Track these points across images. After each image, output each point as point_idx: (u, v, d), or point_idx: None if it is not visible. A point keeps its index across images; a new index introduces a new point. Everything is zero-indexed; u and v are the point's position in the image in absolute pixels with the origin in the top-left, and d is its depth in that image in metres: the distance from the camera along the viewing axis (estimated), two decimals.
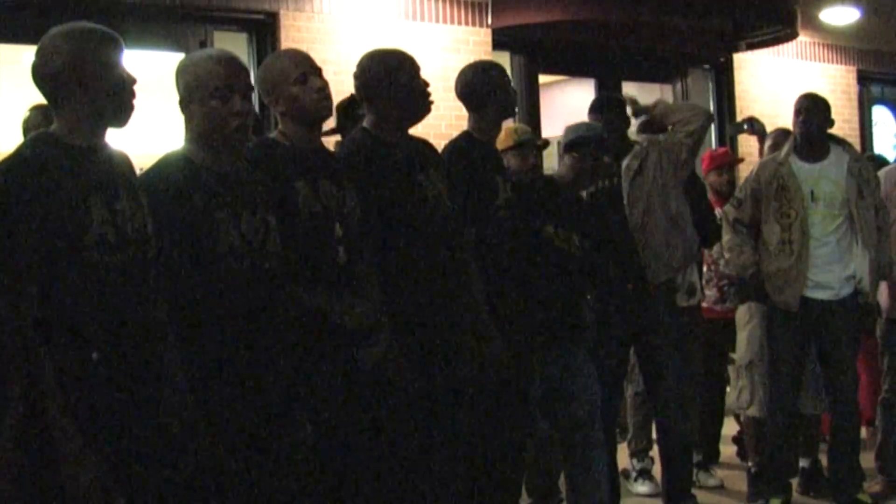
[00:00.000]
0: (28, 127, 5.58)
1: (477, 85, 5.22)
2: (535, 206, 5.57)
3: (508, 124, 6.15)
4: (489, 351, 4.80)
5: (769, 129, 7.91)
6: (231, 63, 3.73)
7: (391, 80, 4.60)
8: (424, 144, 4.84)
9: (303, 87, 4.17)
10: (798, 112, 6.42)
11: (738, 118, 11.78)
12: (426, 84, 4.72)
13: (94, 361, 3.11)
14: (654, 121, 6.39)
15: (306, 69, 4.20)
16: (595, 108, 6.35)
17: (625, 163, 6.16)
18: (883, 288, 6.67)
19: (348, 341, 4.10)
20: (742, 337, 6.84)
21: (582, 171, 5.73)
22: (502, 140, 5.96)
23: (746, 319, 6.80)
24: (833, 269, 6.34)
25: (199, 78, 3.68)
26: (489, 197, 5.11)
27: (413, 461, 4.44)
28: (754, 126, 7.98)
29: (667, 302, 6.16)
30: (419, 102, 4.69)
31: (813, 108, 6.41)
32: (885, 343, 6.83)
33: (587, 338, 5.73)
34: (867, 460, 6.82)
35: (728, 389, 7.63)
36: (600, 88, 10.80)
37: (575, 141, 5.74)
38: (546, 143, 6.78)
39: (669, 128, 6.31)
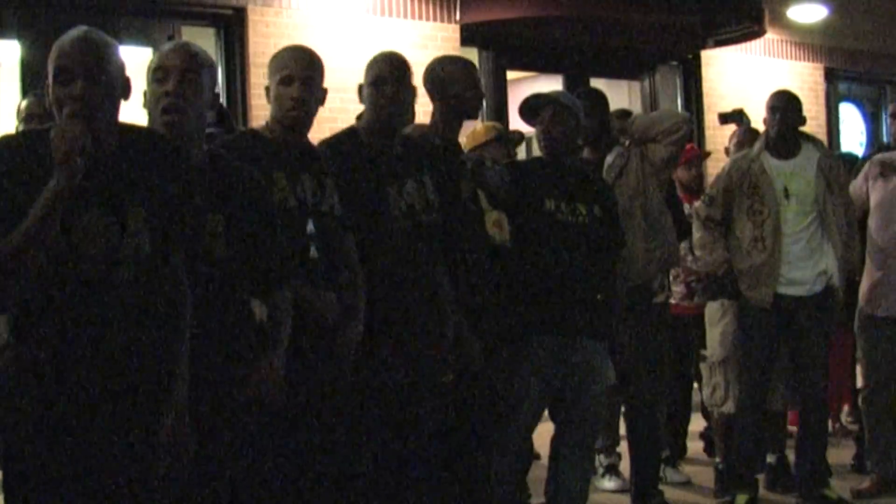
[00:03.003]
0: (27, 114, 5.56)
1: (439, 77, 5.18)
2: (530, 185, 5.43)
3: (479, 122, 6.14)
4: (465, 354, 4.80)
5: (735, 126, 7.94)
6: (173, 49, 3.72)
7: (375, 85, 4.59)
8: (415, 150, 4.79)
9: (285, 89, 4.15)
10: (773, 109, 6.42)
11: (706, 115, 11.85)
12: (415, 92, 4.71)
13: None
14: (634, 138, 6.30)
15: (294, 72, 4.16)
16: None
17: (608, 161, 6.15)
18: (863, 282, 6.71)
19: (325, 336, 4.09)
20: (714, 334, 6.83)
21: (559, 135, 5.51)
22: (481, 134, 5.94)
23: (718, 316, 6.78)
24: (805, 265, 6.35)
25: (150, 63, 3.72)
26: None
27: (387, 463, 4.45)
28: (743, 119, 8.01)
29: (640, 303, 6.13)
30: (392, 112, 4.62)
31: (788, 107, 6.42)
32: (862, 337, 6.85)
33: (607, 334, 5.58)
34: (836, 456, 6.85)
35: (696, 386, 7.65)
36: (568, 84, 10.81)
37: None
38: (521, 136, 6.79)
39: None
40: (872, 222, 6.78)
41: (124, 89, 3.37)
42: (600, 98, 6.45)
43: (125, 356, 3.27)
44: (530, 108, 5.57)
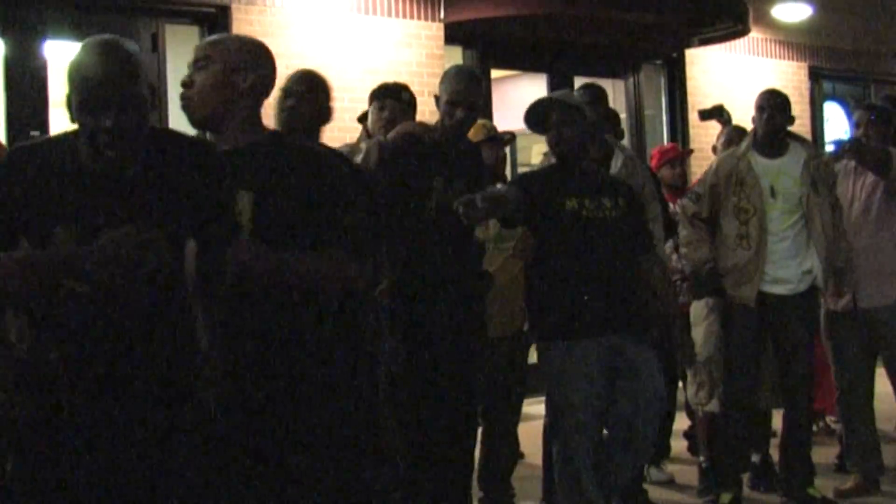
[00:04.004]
0: None
1: (441, 84, 5.33)
2: (546, 191, 5.33)
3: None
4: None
5: (719, 125, 7.95)
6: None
7: None
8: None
9: None
10: (762, 108, 6.41)
11: (690, 113, 11.86)
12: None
13: None
14: None
15: None
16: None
17: (615, 166, 6.16)
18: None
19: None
20: (699, 332, 6.81)
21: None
22: (472, 135, 5.96)
23: (703, 315, 6.78)
24: (790, 264, 6.35)
25: None
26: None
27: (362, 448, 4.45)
28: (723, 115, 8.00)
29: None
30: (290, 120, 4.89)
31: (778, 106, 6.42)
32: (831, 337, 6.85)
33: (652, 331, 5.50)
34: (819, 455, 6.85)
35: (680, 385, 7.65)
36: (552, 83, 10.82)
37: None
38: (513, 136, 6.80)
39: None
40: None
41: (152, 101, 3.20)
42: (600, 93, 6.42)
43: (139, 362, 3.23)
44: (536, 115, 5.48)
